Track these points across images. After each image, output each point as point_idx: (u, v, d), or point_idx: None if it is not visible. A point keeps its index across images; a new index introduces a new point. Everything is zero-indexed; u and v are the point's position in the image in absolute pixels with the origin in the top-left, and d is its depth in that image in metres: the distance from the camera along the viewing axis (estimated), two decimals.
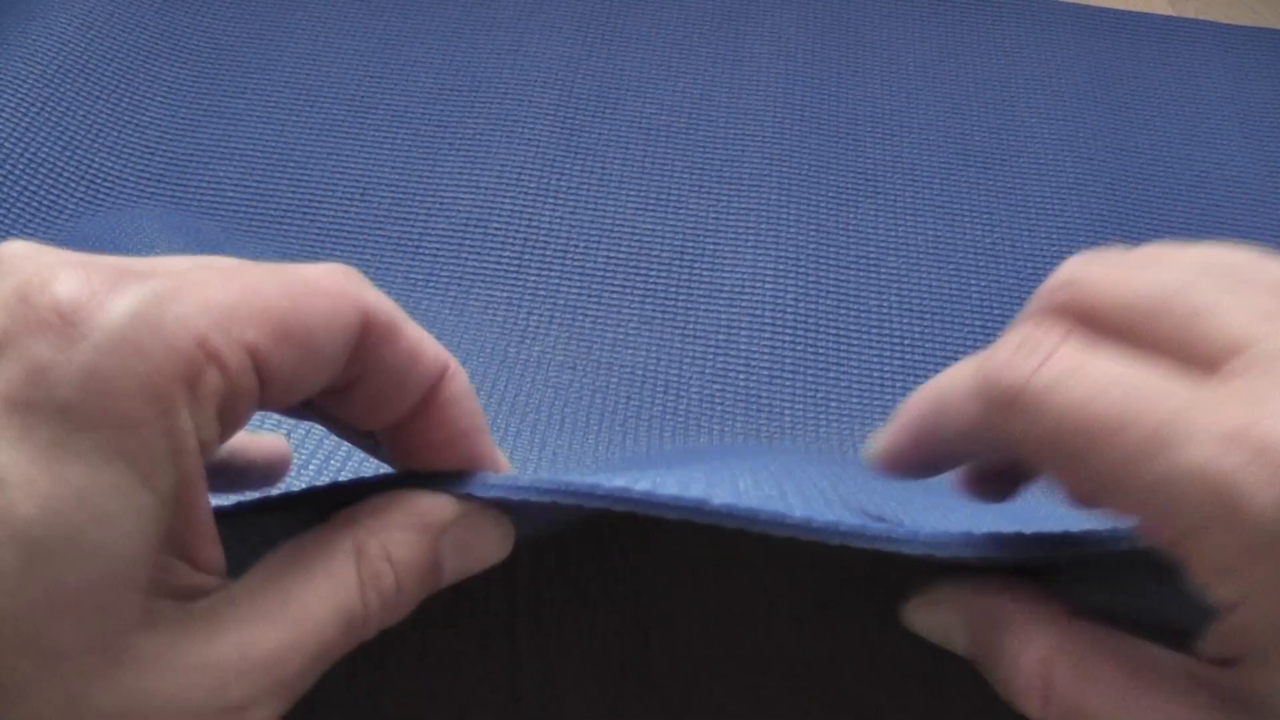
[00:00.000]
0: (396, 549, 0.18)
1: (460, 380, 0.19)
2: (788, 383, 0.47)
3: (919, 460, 0.21)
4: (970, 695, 0.34)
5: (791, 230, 0.53)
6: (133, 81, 0.55)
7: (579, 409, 0.44)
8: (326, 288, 0.17)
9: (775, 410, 0.46)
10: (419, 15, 0.61)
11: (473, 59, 0.59)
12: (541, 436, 0.42)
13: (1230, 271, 0.19)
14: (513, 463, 0.40)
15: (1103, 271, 0.19)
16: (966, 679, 0.34)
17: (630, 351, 0.48)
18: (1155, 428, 0.16)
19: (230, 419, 0.16)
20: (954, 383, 0.19)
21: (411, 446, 0.20)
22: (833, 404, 0.47)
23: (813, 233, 0.53)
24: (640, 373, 0.47)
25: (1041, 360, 0.17)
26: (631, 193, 0.54)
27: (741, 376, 0.47)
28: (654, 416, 0.45)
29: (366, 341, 0.17)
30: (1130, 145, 0.59)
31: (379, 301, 0.17)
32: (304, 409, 0.20)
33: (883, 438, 0.21)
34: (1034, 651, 0.19)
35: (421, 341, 0.18)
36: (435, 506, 0.19)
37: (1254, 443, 0.15)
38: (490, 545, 0.19)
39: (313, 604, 0.16)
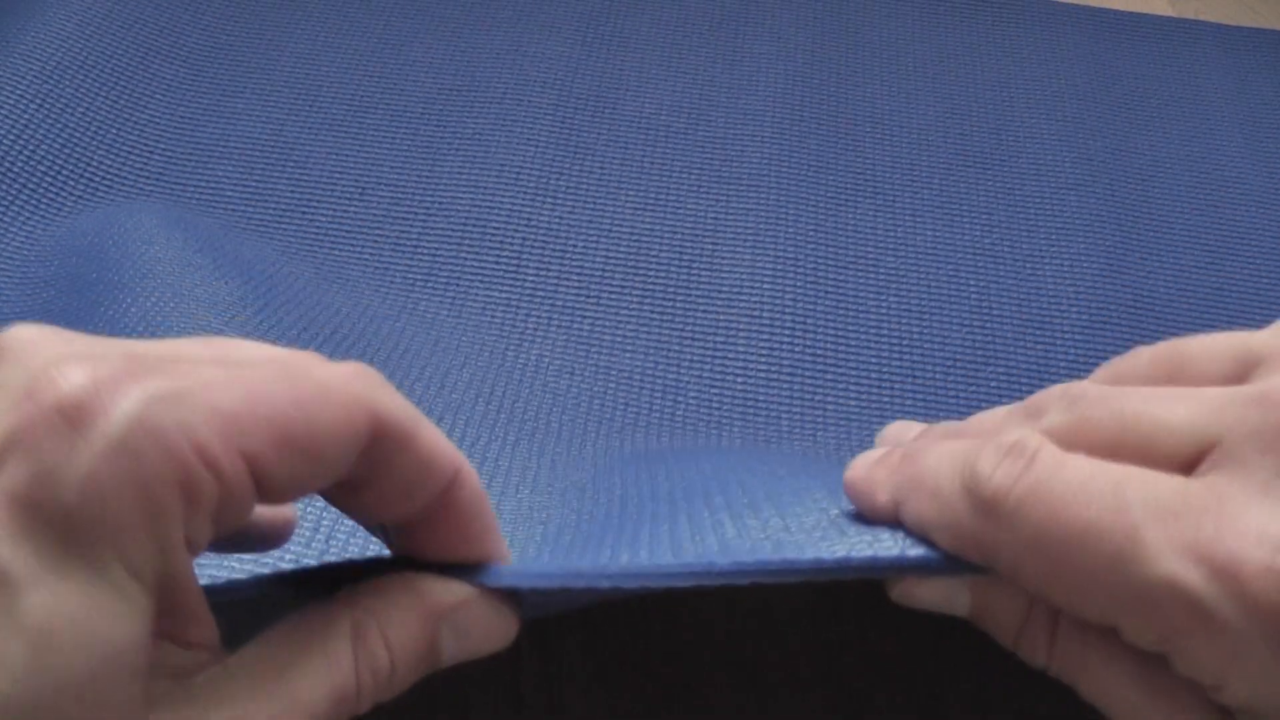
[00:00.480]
0: (394, 632, 0.18)
1: (471, 484, 0.19)
2: (785, 384, 0.47)
3: (887, 516, 0.21)
4: (970, 692, 0.34)
5: (790, 231, 0.53)
6: (131, 79, 0.55)
7: (576, 416, 0.44)
8: (339, 395, 0.17)
9: (773, 413, 0.46)
10: (418, 15, 0.61)
11: (471, 59, 0.59)
12: (540, 444, 0.42)
13: (1176, 373, 0.20)
14: (511, 473, 0.40)
15: (1059, 420, 0.20)
16: (965, 676, 0.34)
17: (628, 355, 0.48)
18: (1126, 538, 0.17)
19: (224, 520, 0.16)
20: (939, 470, 0.20)
21: (419, 542, 0.20)
22: (830, 406, 0.47)
23: (811, 233, 0.53)
24: (638, 377, 0.47)
25: (1025, 465, 0.18)
26: (630, 193, 0.54)
27: (739, 379, 0.47)
28: (651, 424, 0.45)
29: (377, 447, 0.17)
30: (1130, 146, 0.59)
31: (394, 407, 0.18)
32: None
33: (859, 486, 0.21)
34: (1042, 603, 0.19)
35: (435, 447, 0.18)
36: (437, 590, 0.19)
37: (1216, 560, 0.16)
38: (492, 633, 0.20)
39: (306, 682, 0.17)
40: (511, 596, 0.20)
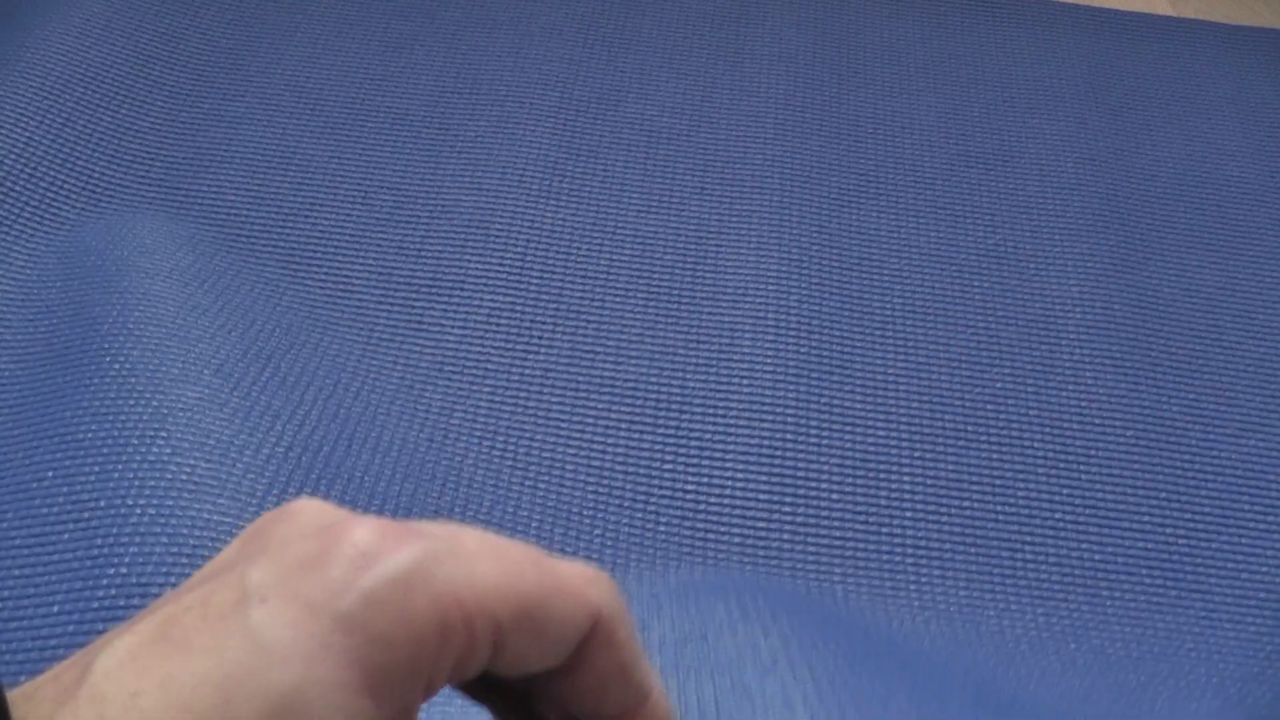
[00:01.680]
0: None
1: (662, 711, 0.22)
2: (791, 388, 0.47)
3: None
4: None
5: (794, 232, 0.53)
6: (132, 87, 0.55)
7: (583, 443, 0.44)
8: (574, 591, 0.20)
9: (779, 418, 0.46)
10: (419, 17, 0.61)
11: (473, 61, 0.59)
12: (559, 488, 0.42)
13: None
14: (533, 513, 0.40)
15: None
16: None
17: (633, 362, 0.48)
18: None
19: (458, 673, 0.19)
20: None
21: None
22: (836, 408, 0.47)
23: (815, 234, 0.53)
24: (644, 388, 0.47)
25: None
26: (633, 196, 0.54)
27: (745, 382, 0.47)
28: (658, 441, 0.45)
29: (591, 642, 0.20)
30: (1131, 146, 0.59)
31: (614, 610, 0.21)
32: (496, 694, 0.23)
33: None
34: None
35: (639, 661, 0.21)
36: None
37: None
38: None
39: None
40: None
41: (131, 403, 0.38)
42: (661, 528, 0.42)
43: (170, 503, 0.35)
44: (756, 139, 0.58)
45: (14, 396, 0.41)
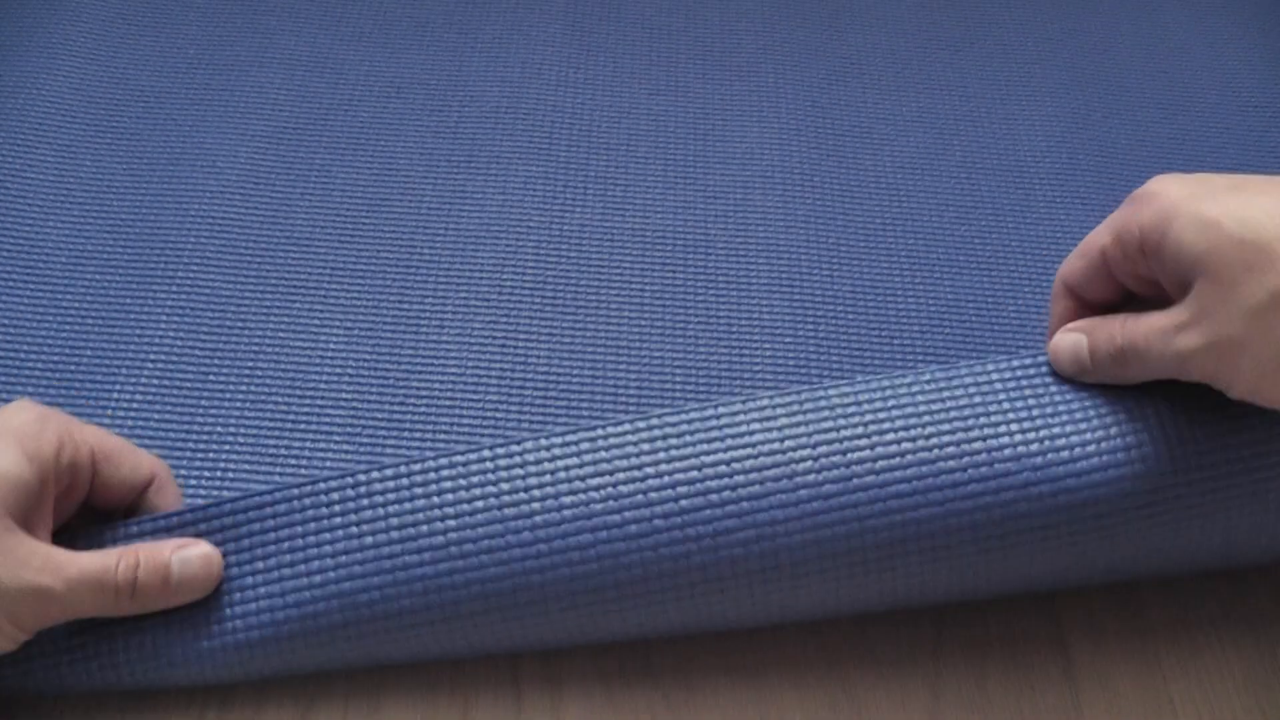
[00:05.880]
0: (144, 552, 0.34)
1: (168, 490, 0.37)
2: (801, 231, 0.53)
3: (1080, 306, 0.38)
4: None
5: (790, 106, 0.59)
6: (168, 10, 0.60)
7: (622, 284, 0.50)
8: (142, 453, 0.37)
9: (792, 256, 0.52)
10: None
11: None
12: (606, 324, 0.49)
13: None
14: (586, 347, 0.47)
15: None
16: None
17: (659, 216, 0.53)
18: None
19: (74, 489, 0.34)
20: (1090, 242, 0.37)
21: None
22: (842, 246, 0.52)
23: (809, 108, 0.59)
24: (672, 235, 0.52)
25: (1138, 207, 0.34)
26: (642, 82, 0.60)
27: (760, 229, 0.53)
28: (689, 278, 0.51)
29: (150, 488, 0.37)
30: (1084, 26, 0.65)
31: (167, 474, 0.37)
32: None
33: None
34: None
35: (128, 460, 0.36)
36: (172, 542, 0.35)
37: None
38: (200, 571, 0.34)
39: (86, 557, 0.32)
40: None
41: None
42: (700, 349, 0.48)
43: None
44: (749, 30, 0.63)
45: None
